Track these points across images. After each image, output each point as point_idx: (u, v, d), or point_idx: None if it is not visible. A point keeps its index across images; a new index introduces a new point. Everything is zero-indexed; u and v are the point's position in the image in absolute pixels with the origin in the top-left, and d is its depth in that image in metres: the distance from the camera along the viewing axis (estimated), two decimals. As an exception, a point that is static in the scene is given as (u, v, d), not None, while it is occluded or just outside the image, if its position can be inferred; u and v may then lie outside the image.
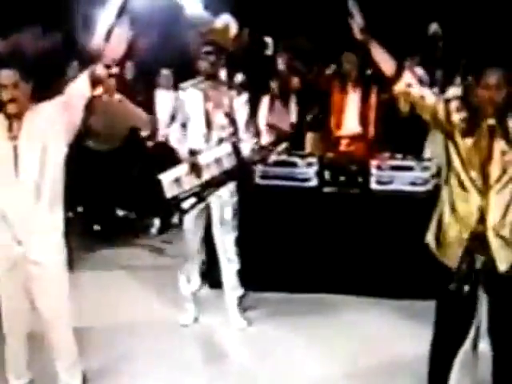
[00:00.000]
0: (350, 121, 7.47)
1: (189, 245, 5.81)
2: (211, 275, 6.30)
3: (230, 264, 5.80)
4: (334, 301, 6.23)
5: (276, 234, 6.39)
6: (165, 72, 8.70)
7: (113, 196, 8.68)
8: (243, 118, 5.66)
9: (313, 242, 6.44)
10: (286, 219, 6.45)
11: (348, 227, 6.37)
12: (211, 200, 5.65)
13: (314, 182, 6.59)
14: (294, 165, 6.59)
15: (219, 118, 5.60)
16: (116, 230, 8.55)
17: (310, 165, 6.58)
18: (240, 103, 5.67)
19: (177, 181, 5.51)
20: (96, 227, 8.63)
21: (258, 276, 6.21)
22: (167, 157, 7.93)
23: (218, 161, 5.52)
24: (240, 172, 5.61)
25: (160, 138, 8.50)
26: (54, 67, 8.21)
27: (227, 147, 5.54)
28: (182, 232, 5.86)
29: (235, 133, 5.59)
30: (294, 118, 8.36)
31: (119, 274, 7.11)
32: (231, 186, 5.70)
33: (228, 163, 5.53)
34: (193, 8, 9.92)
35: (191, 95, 5.66)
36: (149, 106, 8.60)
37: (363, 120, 7.37)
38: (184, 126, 5.66)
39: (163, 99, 8.66)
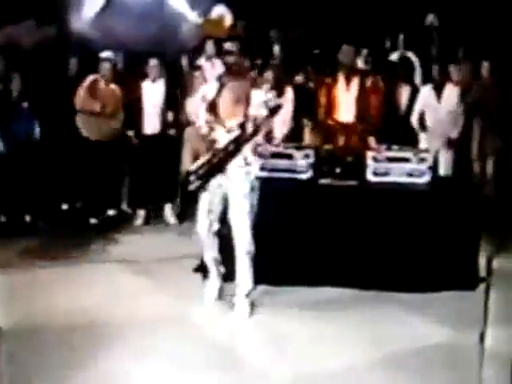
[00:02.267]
0: (345, 112, 7.62)
1: (202, 240, 6.00)
2: (206, 268, 6.33)
3: (244, 254, 5.90)
4: (334, 293, 6.31)
5: (271, 226, 6.34)
6: (152, 62, 8.68)
7: (109, 189, 8.82)
8: (257, 109, 5.73)
9: (309, 234, 6.48)
10: (282, 211, 6.47)
11: (344, 219, 6.44)
12: (228, 188, 5.82)
13: (309, 174, 6.70)
14: (289, 156, 6.70)
15: (236, 108, 5.80)
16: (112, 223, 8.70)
17: (305, 156, 6.69)
18: (256, 96, 5.80)
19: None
20: (93, 221, 8.77)
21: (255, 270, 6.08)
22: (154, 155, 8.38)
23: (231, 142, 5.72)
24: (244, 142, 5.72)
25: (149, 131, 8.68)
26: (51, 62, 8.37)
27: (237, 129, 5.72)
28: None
29: (249, 118, 5.69)
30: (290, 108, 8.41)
31: (117, 267, 7.12)
32: (251, 179, 5.84)
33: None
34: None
35: (212, 87, 5.99)
36: (137, 98, 8.69)
37: (359, 111, 7.53)
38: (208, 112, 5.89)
39: (151, 91, 8.74)
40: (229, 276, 6.13)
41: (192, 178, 5.71)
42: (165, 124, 8.69)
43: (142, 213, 8.88)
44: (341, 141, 7.47)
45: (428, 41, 9.91)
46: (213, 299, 6.14)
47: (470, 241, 6.35)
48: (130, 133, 8.71)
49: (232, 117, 5.80)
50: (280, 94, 7.99)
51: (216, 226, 5.97)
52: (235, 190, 5.82)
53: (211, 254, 6.12)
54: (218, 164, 5.71)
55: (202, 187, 5.77)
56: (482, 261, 6.55)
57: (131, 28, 8.84)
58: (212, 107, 5.89)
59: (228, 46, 5.90)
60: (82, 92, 8.52)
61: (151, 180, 8.65)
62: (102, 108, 8.55)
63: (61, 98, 8.55)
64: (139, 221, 8.85)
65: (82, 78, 8.64)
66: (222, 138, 5.79)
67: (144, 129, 8.69)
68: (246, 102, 5.77)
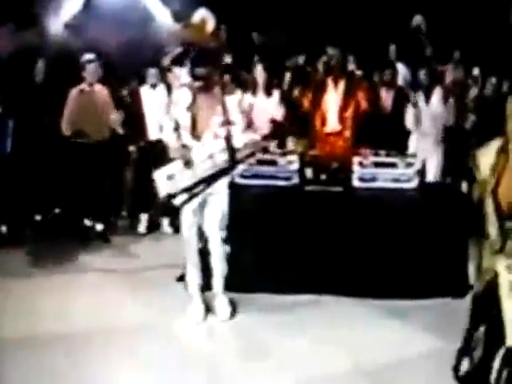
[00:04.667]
0: (332, 118, 7.68)
1: (188, 243, 6.02)
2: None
3: (220, 248, 6.02)
4: (319, 301, 6.36)
5: (257, 234, 6.44)
6: (152, 71, 8.82)
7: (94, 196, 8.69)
8: (236, 116, 5.86)
9: (295, 242, 6.49)
10: (267, 219, 6.51)
11: (330, 226, 6.46)
12: (208, 197, 5.85)
13: (295, 181, 6.72)
14: (274, 163, 6.72)
15: (211, 117, 5.80)
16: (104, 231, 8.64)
17: (290, 163, 6.70)
18: (233, 101, 5.91)
19: (170, 178, 5.71)
20: (87, 223, 8.66)
21: (239, 277, 6.23)
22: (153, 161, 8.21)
23: (211, 156, 5.71)
24: (232, 167, 5.79)
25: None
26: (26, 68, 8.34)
27: (220, 143, 5.71)
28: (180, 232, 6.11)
29: (228, 130, 5.73)
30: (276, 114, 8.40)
31: (95, 276, 7.16)
32: (225, 184, 5.92)
33: (221, 158, 5.70)
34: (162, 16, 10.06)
35: (184, 95, 5.94)
36: (136, 106, 8.77)
37: (344, 117, 7.62)
38: (177, 122, 5.90)
39: (151, 98, 8.83)
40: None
41: (176, 192, 5.69)
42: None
43: (144, 219, 8.85)
44: (327, 146, 7.52)
45: (417, 43, 9.90)
46: (199, 321, 6.13)
47: (459, 247, 6.34)
48: (132, 148, 8.77)
49: (207, 128, 5.83)
50: (268, 95, 8.23)
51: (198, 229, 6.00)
52: (216, 193, 5.89)
53: (196, 280, 6.14)
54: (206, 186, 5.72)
55: (189, 201, 5.76)
56: (472, 267, 6.42)
57: (110, 33, 8.85)
58: (185, 118, 5.89)
59: (198, 72, 5.85)
60: (67, 116, 8.43)
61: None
62: (93, 119, 8.45)
63: (36, 104, 8.48)
64: (142, 228, 8.86)
65: (58, 83, 8.58)
66: (198, 149, 5.81)
67: (147, 135, 8.73)
68: (222, 109, 5.78)
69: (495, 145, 3.51)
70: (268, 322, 5.94)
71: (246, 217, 6.41)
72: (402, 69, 9.48)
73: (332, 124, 7.68)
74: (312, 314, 6.09)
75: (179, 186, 5.65)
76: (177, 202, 5.69)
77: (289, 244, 6.51)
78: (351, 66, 8.75)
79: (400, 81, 9.25)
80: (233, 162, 5.73)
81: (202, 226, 6.00)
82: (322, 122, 7.77)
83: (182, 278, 6.58)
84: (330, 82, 7.75)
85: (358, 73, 8.81)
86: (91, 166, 8.38)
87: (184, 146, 5.83)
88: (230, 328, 6.00)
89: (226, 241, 6.02)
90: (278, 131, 6.03)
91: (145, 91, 8.84)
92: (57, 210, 8.87)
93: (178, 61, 8.55)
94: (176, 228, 8.34)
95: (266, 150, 6.47)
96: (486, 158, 3.51)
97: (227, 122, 5.75)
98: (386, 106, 8.66)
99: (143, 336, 5.68)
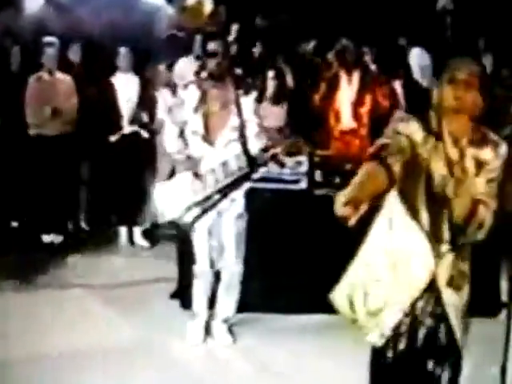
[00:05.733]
0: (346, 114, 7.40)
1: (200, 261, 5.67)
2: (184, 294, 6.13)
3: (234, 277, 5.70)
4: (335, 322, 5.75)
5: (260, 246, 6.09)
6: (123, 51, 8.17)
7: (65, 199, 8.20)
8: (252, 119, 5.49)
9: (304, 254, 6.17)
10: (272, 228, 6.19)
11: (344, 237, 5.79)
12: (223, 213, 5.52)
13: (303, 184, 6.34)
14: (281, 165, 6.09)
15: (226, 120, 5.45)
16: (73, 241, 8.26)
17: (298, 164, 6.31)
18: (248, 102, 5.51)
19: (175, 192, 5.40)
20: (46, 238, 8.16)
21: (243, 295, 5.88)
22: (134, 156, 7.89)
23: (224, 164, 5.38)
24: (250, 174, 5.43)
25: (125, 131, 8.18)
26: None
27: (235, 148, 5.38)
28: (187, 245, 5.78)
29: (243, 134, 5.41)
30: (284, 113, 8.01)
31: (73, 293, 6.80)
32: (241, 196, 5.56)
33: (236, 165, 5.37)
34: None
35: (192, 94, 5.54)
36: (109, 94, 8.13)
37: (359, 114, 7.35)
38: (182, 128, 5.54)
39: (124, 83, 8.20)
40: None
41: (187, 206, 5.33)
42: (139, 124, 8.18)
43: (124, 231, 8.39)
44: (341, 145, 7.25)
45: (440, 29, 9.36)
46: (198, 343, 5.81)
47: (490, 261, 6.00)
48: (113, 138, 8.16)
49: (221, 131, 5.45)
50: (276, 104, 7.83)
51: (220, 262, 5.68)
52: (230, 208, 5.54)
53: (206, 304, 5.80)
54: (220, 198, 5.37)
55: (201, 217, 5.38)
56: (504, 283, 6.13)
57: (94, 15, 8.43)
58: (196, 122, 5.47)
59: (212, 46, 5.43)
60: (28, 107, 7.93)
61: (117, 193, 8.16)
62: (54, 109, 7.93)
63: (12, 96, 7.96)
64: (123, 240, 8.40)
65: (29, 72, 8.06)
66: (210, 156, 5.41)
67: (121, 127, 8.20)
68: (237, 111, 5.40)
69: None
70: (277, 345, 5.69)
71: (249, 225, 5.92)
72: (419, 55, 8.84)
73: (346, 121, 7.35)
74: (327, 337, 5.78)
75: (188, 201, 5.31)
76: (187, 218, 5.31)
77: (297, 257, 6.19)
78: (366, 58, 8.21)
79: (416, 69, 8.62)
80: (251, 168, 5.35)
81: (216, 247, 5.65)
82: (336, 118, 7.43)
83: (177, 295, 6.37)
84: (343, 74, 7.41)
85: (373, 67, 8.30)
86: (59, 166, 7.94)
87: (189, 158, 5.47)
88: (232, 351, 5.76)
89: (242, 264, 5.69)
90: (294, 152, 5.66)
91: (118, 77, 8.22)
92: (15, 224, 8.35)
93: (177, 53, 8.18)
94: (152, 240, 8.23)
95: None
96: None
97: (242, 124, 5.38)
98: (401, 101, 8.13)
99: (136, 359, 5.47)
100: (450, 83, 3.20)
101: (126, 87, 8.13)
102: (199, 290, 5.75)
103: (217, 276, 5.72)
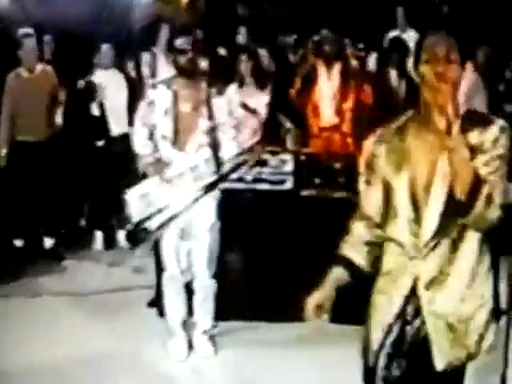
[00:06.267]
0: (326, 110, 7.24)
1: (169, 272, 5.53)
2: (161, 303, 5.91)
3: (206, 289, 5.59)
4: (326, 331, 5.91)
5: (243, 250, 6.07)
6: (105, 47, 8.03)
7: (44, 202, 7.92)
8: (226, 121, 5.34)
9: (290, 258, 6.01)
10: (256, 231, 6.05)
11: (332, 239, 5.64)
12: (192, 222, 5.38)
13: (288, 185, 6.18)
14: (263, 164, 6.18)
15: (197, 123, 5.28)
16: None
17: (283, 163, 6.21)
18: (222, 103, 5.34)
19: (144, 197, 5.20)
20: (18, 243, 7.92)
21: (225, 303, 5.80)
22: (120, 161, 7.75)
23: (193, 169, 5.23)
24: (218, 182, 5.29)
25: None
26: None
27: (205, 153, 5.23)
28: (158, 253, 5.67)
29: (215, 137, 5.27)
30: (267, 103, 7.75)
31: (48, 300, 6.66)
32: (214, 205, 5.42)
33: (205, 171, 5.22)
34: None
35: (162, 95, 5.33)
36: (88, 91, 7.94)
37: (341, 109, 7.20)
38: (152, 130, 5.37)
39: (107, 81, 8.03)
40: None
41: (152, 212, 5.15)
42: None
43: (99, 234, 8.24)
44: (321, 142, 7.11)
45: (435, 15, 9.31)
46: (181, 359, 5.66)
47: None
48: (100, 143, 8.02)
49: (191, 135, 5.28)
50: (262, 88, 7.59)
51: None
52: (200, 216, 5.37)
53: (179, 314, 5.63)
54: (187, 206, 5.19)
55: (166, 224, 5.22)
56: (503, 287, 5.80)
57: (66, 5, 8.22)
58: (166, 125, 5.28)
59: (180, 42, 5.18)
60: (5, 110, 7.55)
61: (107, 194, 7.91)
62: (37, 112, 7.59)
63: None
64: (98, 244, 8.23)
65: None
66: (179, 161, 5.24)
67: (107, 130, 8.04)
68: (209, 113, 5.24)
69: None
70: (262, 356, 5.55)
71: (230, 229, 5.84)
72: (412, 37, 8.64)
73: (327, 117, 7.17)
74: (314, 347, 5.63)
75: (155, 207, 5.12)
76: (152, 225, 5.14)
77: (282, 261, 6.04)
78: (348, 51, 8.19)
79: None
80: (219, 175, 5.20)
81: (189, 258, 5.53)
82: (315, 114, 7.27)
83: (153, 304, 6.24)
84: (322, 68, 7.22)
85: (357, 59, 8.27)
86: (38, 170, 7.60)
87: (159, 161, 5.31)
88: (216, 364, 5.64)
89: (215, 276, 5.57)
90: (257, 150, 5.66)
91: (99, 75, 8.04)
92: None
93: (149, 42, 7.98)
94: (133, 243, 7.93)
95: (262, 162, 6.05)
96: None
97: (214, 127, 5.24)
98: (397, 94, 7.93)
99: (113, 370, 5.37)
100: (428, 62, 3.06)
101: (110, 85, 7.95)
102: (170, 301, 5.61)
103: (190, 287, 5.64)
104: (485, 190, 2.92)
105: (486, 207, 2.94)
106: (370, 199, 3.39)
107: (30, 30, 7.52)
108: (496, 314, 5.31)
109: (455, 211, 2.99)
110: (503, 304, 5.69)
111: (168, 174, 5.19)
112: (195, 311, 5.62)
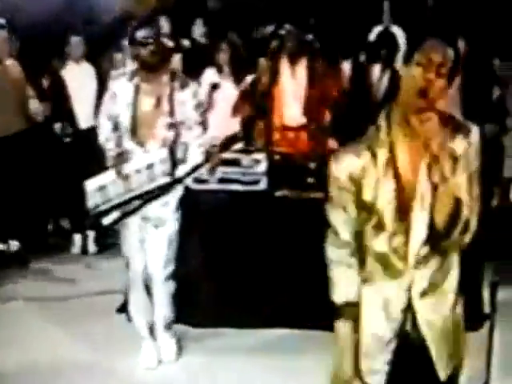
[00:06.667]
0: (292, 110, 7.11)
1: (131, 269, 5.43)
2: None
3: (163, 287, 5.48)
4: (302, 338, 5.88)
5: (215, 254, 5.94)
6: (74, 40, 7.89)
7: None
8: (190, 116, 5.23)
9: (263, 262, 5.92)
10: (227, 234, 5.98)
11: (310, 242, 5.42)
12: (150, 220, 5.28)
13: (262, 185, 6.10)
14: (236, 163, 6.13)
15: (158, 119, 5.17)
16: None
17: (257, 162, 6.15)
18: (186, 97, 5.22)
19: (101, 189, 5.21)
20: None
21: (190, 308, 5.83)
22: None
23: (149, 167, 5.17)
24: (172, 184, 5.21)
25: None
26: None
27: (162, 151, 5.14)
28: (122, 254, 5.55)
29: (175, 134, 5.18)
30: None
31: (17, 306, 6.61)
32: (173, 201, 5.31)
33: (160, 170, 5.14)
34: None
35: (123, 87, 5.24)
36: (56, 85, 7.85)
37: (308, 107, 7.07)
38: (116, 122, 5.29)
39: (75, 74, 7.94)
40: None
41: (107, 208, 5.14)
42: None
43: (78, 238, 8.10)
44: (287, 142, 6.94)
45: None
46: (152, 367, 5.58)
47: (471, 268, 5.36)
48: (57, 126, 7.84)
49: (152, 131, 5.17)
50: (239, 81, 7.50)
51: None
52: (157, 211, 5.26)
53: (144, 317, 5.57)
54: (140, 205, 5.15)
55: (120, 221, 5.21)
56: (486, 293, 5.87)
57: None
58: (126, 119, 5.18)
59: (142, 34, 5.05)
60: None
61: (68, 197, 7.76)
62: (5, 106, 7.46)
63: None
64: (76, 248, 8.10)
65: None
66: (139, 156, 5.16)
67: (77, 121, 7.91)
68: (170, 108, 5.14)
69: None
70: (230, 363, 5.50)
71: (200, 231, 5.93)
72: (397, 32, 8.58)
73: (294, 117, 7.05)
74: (286, 354, 5.56)
75: (110, 201, 5.15)
76: (106, 221, 5.15)
77: (255, 265, 5.95)
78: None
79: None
80: (173, 178, 5.12)
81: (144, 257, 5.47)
82: (280, 114, 7.11)
83: (123, 309, 6.08)
84: (285, 64, 7.08)
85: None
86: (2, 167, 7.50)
87: (121, 154, 5.20)
88: (183, 372, 5.55)
89: (171, 278, 5.47)
90: (230, 143, 5.83)
91: (69, 68, 7.97)
92: None
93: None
94: (102, 247, 8.04)
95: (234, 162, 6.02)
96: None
97: (175, 124, 5.14)
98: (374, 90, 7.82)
99: (87, 378, 5.33)
100: (420, 64, 2.97)
101: (79, 79, 7.87)
102: (134, 302, 5.52)
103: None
104: (463, 219, 2.99)
105: (462, 235, 3.04)
106: (344, 225, 3.21)
107: (2, 21, 7.49)
108: (479, 319, 5.66)
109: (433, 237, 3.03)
110: (486, 309, 5.68)
111: (126, 169, 5.10)
112: (155, 314, 5.53)
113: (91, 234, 8.02)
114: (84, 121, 7.81)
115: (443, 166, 2.92)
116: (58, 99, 7.76)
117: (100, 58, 8.22)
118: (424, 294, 3.09)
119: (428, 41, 3.00)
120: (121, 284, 6.13)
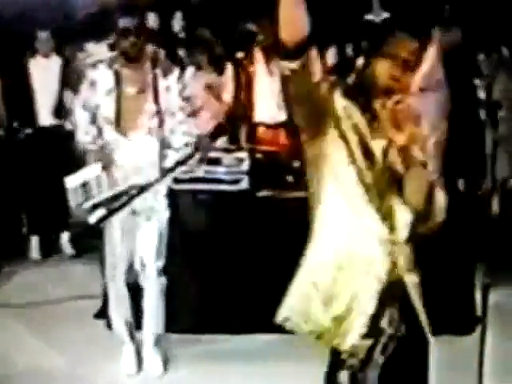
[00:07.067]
0: (271, 108, 7.05)
1: (113, 269, 5.33)
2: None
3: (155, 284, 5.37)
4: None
5: (196, 257, 5.86)
6: (42, 35, 7.76)
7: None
8: (173, 104, 5.16)
9: (247, 265, 5.86)
10: (209, 235, 5.91)
11: (294, 244, 5.38)
12: (140, 214, 5.20)
13: (244, 185, 6.04)
14: (217, 162, 6.05)
15: (142, 107, 5.09)
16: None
17: (239, 161, 6.07)
18: (170, 84, 5.18)
19: (84, 186, 5.06)
20: None
21: (174, 314, 5.62)
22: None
23: (135, 158, 5.08)
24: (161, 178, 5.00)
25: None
26: None
27: (149, 141, 5.09)
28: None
29: (162, 123, 5.12)
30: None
31: None
32: (162, 197, 5.25)
33: (146, 164, 5.04)
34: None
35: (103, 75, 5.15)
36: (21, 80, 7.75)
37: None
38: (94, 113, 5.19)
39: (43, 69, 7.82)
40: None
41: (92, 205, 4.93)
42: (62, 113, 7.74)
43: (35, 241, 7.94)
44: (264, 142, 6.89)
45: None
46: (133, 371, 5.47)
47: (463, 270, 5.81)
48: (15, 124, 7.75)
49: (135, 119, 5.07)
50: (220, 72, 7.50)
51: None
52: (148, 202, 5.15)
53: (124, 317, 5.43)
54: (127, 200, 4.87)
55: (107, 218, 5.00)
56: (477, 296, 5.88)
57: None
58: (108, 107, 5.08)
59: (123, 23, 5.02)
60: None
61: (42, 194, 7.67)
62: None
63: None
64: (34, 253, 7.94)
65: None
66: (123, 148, 5.07)
67: (37, 119, 7.76)
68: (154, 95, 5.04)
69: None
70: (215, 372, 5.35)
71: (182, 234, 5.81)
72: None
73: (272, 114, 6.99)
74: (277, 361, 5.44)
75: (95, 198, 4.95)
76: (91, 219, 4.80)
77: (238, 267, 5.88)
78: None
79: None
80: (162, 170, 4.92)
81: (132, 252, 5.31)
82: (254, 112, 7.07)
83: (101, 314, 6.01)
84: (261, 60, 7.03)
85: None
86: None
87: (102, 148, 5.12)
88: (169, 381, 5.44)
89: (163, 272, 5.36)
90: (218, 133, 5.23)
91: (36, 63, 7.85)
92: None
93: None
94: (79, 250, 7.92)
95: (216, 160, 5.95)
96: None
97: (160, 111, 5.04)
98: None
99: None
100: (387, 59, 3.07)
101: (46, 73, 7.76)
102: (113, 303, 5.40)
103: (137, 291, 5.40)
104: (438, 205, 3.13)
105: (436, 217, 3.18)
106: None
107: None
108: (472, 322, 5.59)
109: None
110: (478, 312, 5.53)
111: (109, 162, 5.02)
112: (145, 315, 5.40)
113: (65, 236, 7.94)
114: (48, 115, 7.70)
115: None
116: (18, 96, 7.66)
117: (70, 52, 8.16)
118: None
119: (394, 35, 3.06)
120: (95, 289, 6.11)
